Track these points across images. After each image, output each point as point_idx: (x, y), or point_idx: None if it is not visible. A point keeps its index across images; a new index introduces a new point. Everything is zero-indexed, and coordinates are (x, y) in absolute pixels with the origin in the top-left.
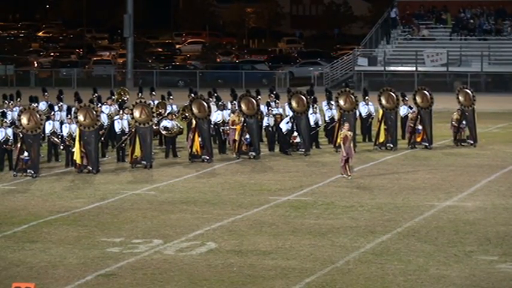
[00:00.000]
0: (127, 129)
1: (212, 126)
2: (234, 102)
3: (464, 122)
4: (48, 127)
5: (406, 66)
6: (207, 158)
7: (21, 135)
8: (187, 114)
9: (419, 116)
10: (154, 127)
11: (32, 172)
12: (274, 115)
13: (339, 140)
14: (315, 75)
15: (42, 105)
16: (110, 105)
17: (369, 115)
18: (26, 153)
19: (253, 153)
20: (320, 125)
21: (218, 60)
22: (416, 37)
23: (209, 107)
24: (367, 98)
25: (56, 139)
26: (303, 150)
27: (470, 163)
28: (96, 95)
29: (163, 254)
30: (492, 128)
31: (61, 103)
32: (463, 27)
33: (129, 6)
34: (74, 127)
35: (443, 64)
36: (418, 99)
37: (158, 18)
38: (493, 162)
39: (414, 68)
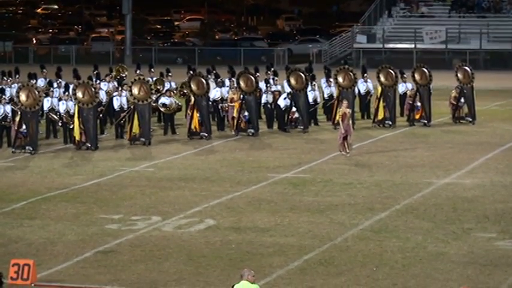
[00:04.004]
0: (125, 106)
1: (211, 103)
2: (233, 79)
3: (462, 100)
4: (46, 104)
5: (405, 43)
6: (206, 135)
7: (19, 112)
8: (185, 91)
9: (418, 94)
10: (153, 104)
11: (31, 149)
12: (272, 92)
13: (337, 117)
14: (314, 53)
15: (41, 82)
16: (109, 82)
17: (368, 92)
18: (24, 126)
19: (252, 131)
20: (318, 102)
21: (217, 37)
22: (415, 14)
23: (207, 84)
24: (365, 75)
25: (54, 116)
26: (302, 127)
27: (468, 140)
28: (95, 72)
29: (162, 231)
30: (491, 106)
31: (60, 80)
32: (462, 4)
33: None
34: (71, 104)
35: (442, 41)
36: (417, 76)
37: None
38: (492, 139)
39: (413, 46)
